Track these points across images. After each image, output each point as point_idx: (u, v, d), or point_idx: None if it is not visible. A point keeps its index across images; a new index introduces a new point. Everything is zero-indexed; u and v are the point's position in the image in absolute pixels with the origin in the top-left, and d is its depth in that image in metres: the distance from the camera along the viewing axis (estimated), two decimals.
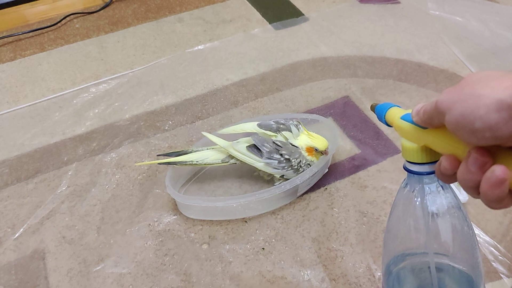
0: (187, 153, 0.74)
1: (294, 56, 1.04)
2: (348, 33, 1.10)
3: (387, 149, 0.80)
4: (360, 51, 1.04)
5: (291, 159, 0.70)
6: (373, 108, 0.48)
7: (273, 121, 0.74)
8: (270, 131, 0.72)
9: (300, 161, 0.70)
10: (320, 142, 0.71)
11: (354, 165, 0.78)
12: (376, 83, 0.94)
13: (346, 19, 1.16)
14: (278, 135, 0.72)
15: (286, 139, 0.72)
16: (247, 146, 0.71)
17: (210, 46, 1.10)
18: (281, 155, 0.70)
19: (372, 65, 0.99)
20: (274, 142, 0.71)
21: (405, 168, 0.42)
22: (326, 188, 0.75)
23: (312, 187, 0.75)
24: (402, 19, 1.14)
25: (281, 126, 0.72)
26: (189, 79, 1.01)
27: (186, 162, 0.73)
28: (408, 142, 0.40)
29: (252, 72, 1.01)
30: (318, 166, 0.72)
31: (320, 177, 0.76)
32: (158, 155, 0.77)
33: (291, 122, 0.73)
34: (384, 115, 0.45)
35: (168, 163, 0.73)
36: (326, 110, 0.89)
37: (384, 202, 0.72)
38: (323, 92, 0.93)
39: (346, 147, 0.81)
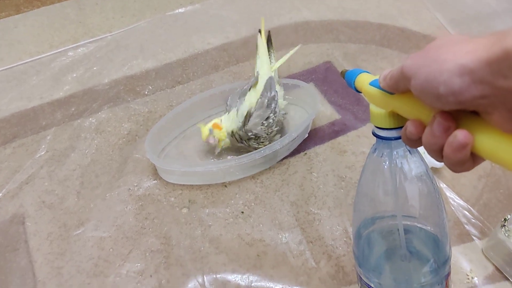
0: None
1: (276, 21, 1.03)
2: None
3: (367, 114, 0.80)
4: (343, 16, 1.03)
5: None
6: (343, 74, 0.48)
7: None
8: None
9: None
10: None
11: (334, 131, 0.79)
12: (358, 49, 0.94)
13: None
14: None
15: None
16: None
17: (191, 9, 1.08)
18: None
19: (355, 30, 0.99)
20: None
21: (374, 134, 0.42)
22: (305, 153, 0.76)
23: (291, 152, 0.76)
24: None
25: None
26: (169, 42, 0.99)
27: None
28: (376, 108, 0.41)
29: (234, 36, 0.99)
30: (297, 131, 0.72)
31: (299, 142, 0.76)
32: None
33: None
34: (354, 81, 0.45)
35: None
36: (307, 75, 0.89)
37: (362, 167, 0.73)
38: (305, 57, 0.93)
39: (326, 113, 0.82)
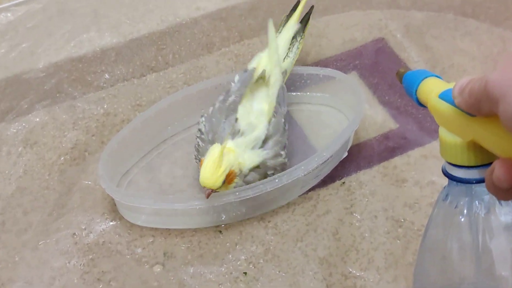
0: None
1: None
2: None
3: None
4: None
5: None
6: (400, 76, 0.49)
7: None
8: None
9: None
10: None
11: (388, 147, 0.79)
12: (427, 19, 0.93)
13: None
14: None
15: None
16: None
17: None
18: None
19: None
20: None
21: (445, 173, 0.43)
22: (343, 183, 0.76)
23: (322, 180, 0.76)
24: None
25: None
26: (138, 7, 1.00)
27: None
28: (448, 134, 0.41)
29: None
30: (331, 148, 0.73)
31: (334, 166, 0.77)
32: None
33: None
34: (416, 90, 0.46)
35: None
36: (347, 60, 0.88)
37: (431, 206, 0.71)
38: (345, 31, 0.92)
39: (376, 119, 0.82)
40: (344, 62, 0.89)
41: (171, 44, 0.94)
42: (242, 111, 0.74)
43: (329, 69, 0.83)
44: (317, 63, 0.89)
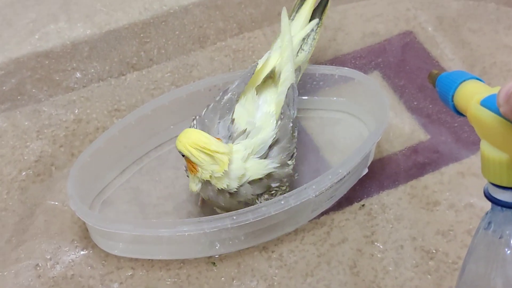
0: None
1: None
2: None
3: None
4: None
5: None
6: (433, 78, 0.49)
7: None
8: None
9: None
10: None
11: (417, 163, 0.79)
12: (464, 9, 0.94)
13: None
14: None
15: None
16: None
17: None
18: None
19: None
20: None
21: (488, 195, 0.42)
22: (362, 205, 0.76)
23: (337, 202, 0.76)
24: None
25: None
26: None
27: None
28: (492, 148, 0.41)
29: None
30: (348, 164, 0.72)
31: (352, 184, 0.77)
32: None
33: None
34: (452, 95, 0.46)
35: None
36: (368, 58, 0.89)
37: (469, 234, 0.72)
38: (365, 23, 0.92)
39: (403, 129, 0.82)
40: (364, 60, 0.90)
41: (156, 37, 0.95)
42: (241, 112, 0.74)
43: (346, 68, 0.83)
44: (332, 61, 0.90)
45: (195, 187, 0.70)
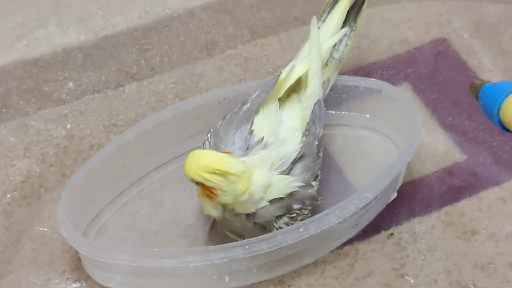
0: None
1: None
2: None
3: None
4: None
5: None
6: (476, 89, 0.48)
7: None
8: None
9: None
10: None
11: (452, 187, 0.77)
12: (505, 13, 0.93)
13: None
14: None
15: None
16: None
17: None
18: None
19: None
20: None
21: None
22: (391, 234, 0.74)
23: (362, 230, 0.74)
24: None
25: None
26: None
27: None
28: None
29: None
30: (375, 187, 0.70)
31: (380, 211, 0.75)
32: None
33: None
34: (498, 108, 0.45)
35: None
36: (397, 68, 0.87)
37: (511, 266, 0.71)
38: (393, 29, 0.91)
39: (436, 149, 0.80)
40: (392, 70, 0.88)
41: (158, 44, 0.93)
42: (262, 123, 0.73)
43: (372, 79, 0.80)
44: (355, 72, 0.88)
45: (217, 212, 0.69)
